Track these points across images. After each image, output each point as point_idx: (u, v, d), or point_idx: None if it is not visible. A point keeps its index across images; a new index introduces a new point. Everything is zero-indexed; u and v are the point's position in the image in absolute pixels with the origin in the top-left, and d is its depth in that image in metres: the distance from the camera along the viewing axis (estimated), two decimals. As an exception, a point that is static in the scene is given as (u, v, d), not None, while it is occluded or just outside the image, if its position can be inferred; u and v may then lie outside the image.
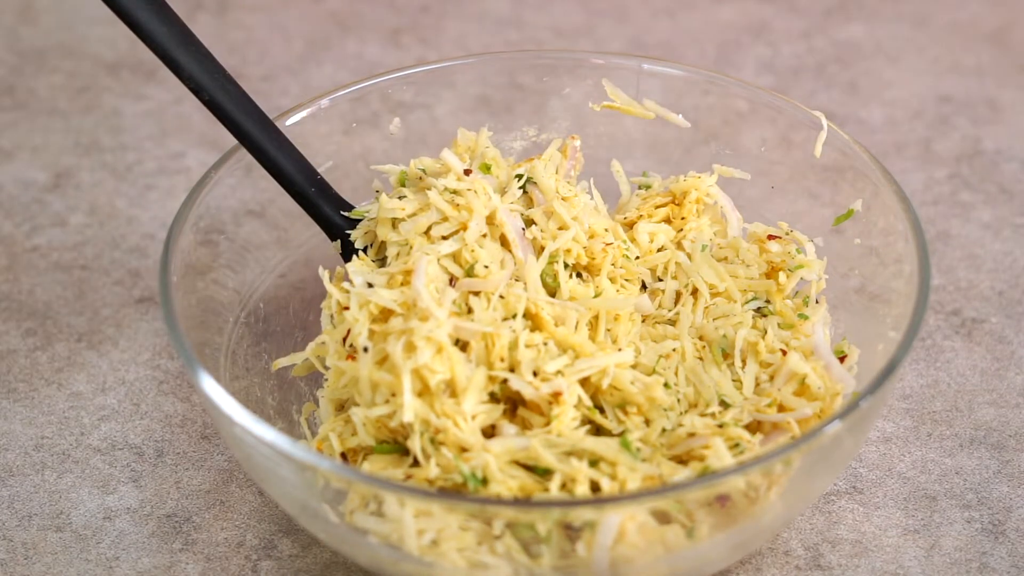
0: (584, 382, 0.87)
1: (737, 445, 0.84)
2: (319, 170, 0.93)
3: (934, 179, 1.14)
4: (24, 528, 0.92)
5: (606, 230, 0.93)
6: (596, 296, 0.91)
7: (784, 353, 0.89)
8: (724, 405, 0.88)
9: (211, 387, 0.82)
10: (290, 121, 0.96)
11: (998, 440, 0.96)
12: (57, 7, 1.32)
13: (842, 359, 0.90)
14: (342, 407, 0.89)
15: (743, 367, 0.89)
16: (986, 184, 1.13)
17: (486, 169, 0.93)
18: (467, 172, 0.91)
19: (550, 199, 0.92)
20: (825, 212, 0.95)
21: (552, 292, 0.90)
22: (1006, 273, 1.06)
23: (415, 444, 0.83)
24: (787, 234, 0.94)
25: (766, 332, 0.90)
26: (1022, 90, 1.22)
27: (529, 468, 0.84)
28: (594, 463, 0.83)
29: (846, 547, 0.90)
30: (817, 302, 0.93)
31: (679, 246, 0.95)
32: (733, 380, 0.89)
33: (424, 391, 0.84)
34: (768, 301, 0.92)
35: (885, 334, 0.89)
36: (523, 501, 0.81)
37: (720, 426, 0.85)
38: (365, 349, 0.85)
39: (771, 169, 0.99)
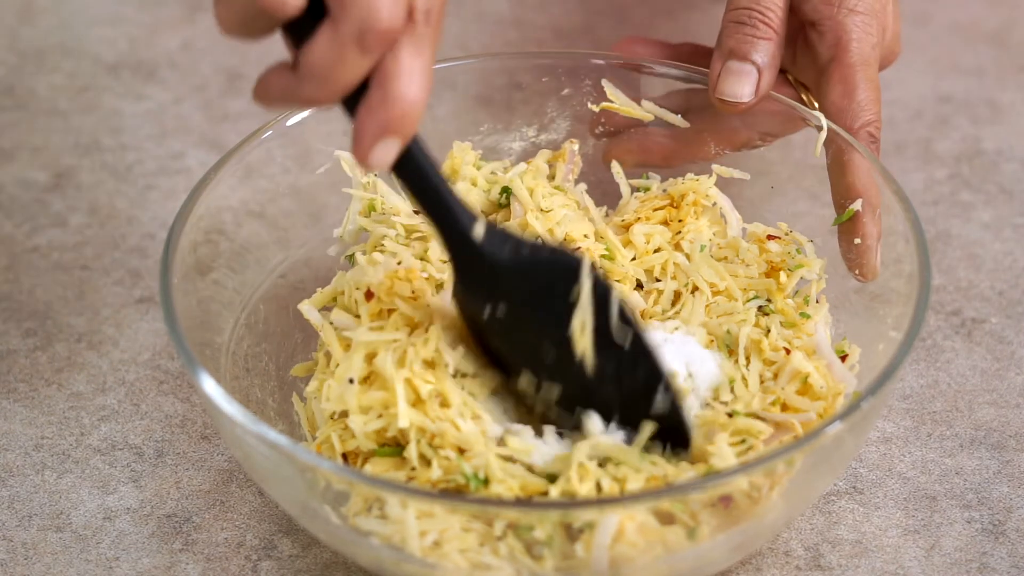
0: None
1: (743, 441, 0.84)
2: (319, 170, 0.94)
3: (934, 179, 1.14)
4: (24, 528, 0.92)
5: (585, 236, 0.93)
6: None
7: (787, 352, 0.89)
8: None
9: (212, 388, 0.82)
10: (290, 121, 0.96)
11: (998, 440, 0.96)
12: (57, 7, 1.32)
13: (843, 358, 0.90)
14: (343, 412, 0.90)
15: (747, 364, 0.89)
16: (986, 184, 1.13)
17: (474, 184, 0.95)
18: (417, 212, 0.93)
19: (526, 211, 0.92)
20: (825, 212, 0.95)
21: None
22: (1006, 273, 1.06)
23: (412, 452, 0.83)
24: (787, 234, 0.94)
25: (769, 330, 0.90)
26: (1022, 90, 1.22)
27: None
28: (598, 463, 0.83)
29: (846, 547, 0.90)
30: (817, 301, 0.93)
31: (677, 247, 0.94)
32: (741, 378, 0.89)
33: (416, 402, 0.84)
34: (769, 300, 0.92)
35: (886, 334, 0.88)
36: (524, 502, 0.81)
37: (730, 415, 0.85)
38: (351, 380, 0.85)
39: (770, 169, 0.99)
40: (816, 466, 0.82)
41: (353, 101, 0.78)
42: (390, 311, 0.87)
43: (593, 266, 0.83)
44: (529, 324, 0.84)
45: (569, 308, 0.83)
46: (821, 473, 0.83)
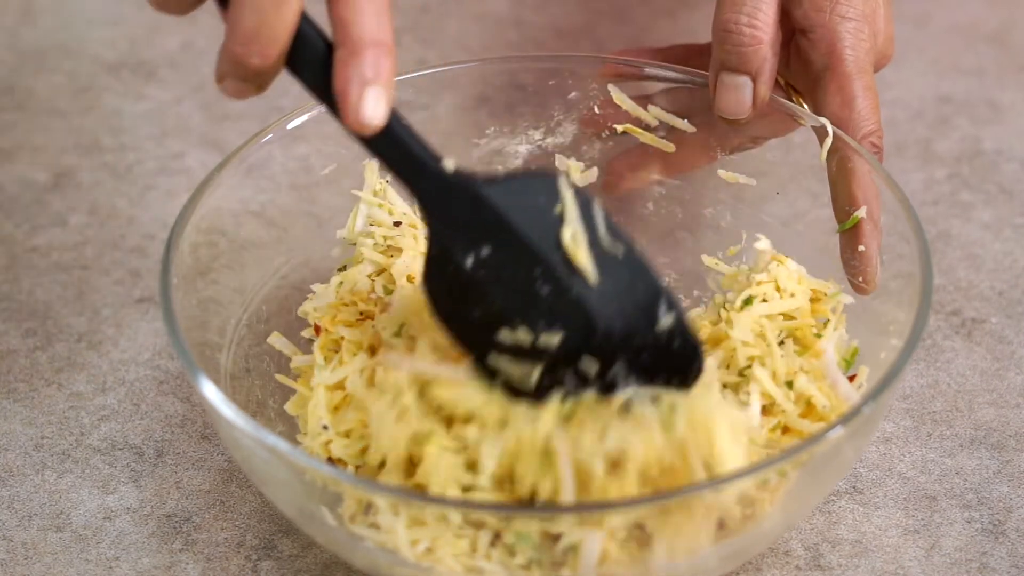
0: None
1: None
2: (321, 172, 0.93)
3: (934, 179, 1.14)
4: (24, 528, 0.92)
5: None
6: None
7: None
8: None
9: (209, 389, 0.82)
10: (293, 123, 0.96)
11: (998, 440, 0.96)
12: (57, 7, 1.32)
13: (851, 378, 0.89)
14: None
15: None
16: (986, 184, 1.13)
17: None
18: (397, 224, 0.93)
19: None
20: (825, 212, 0.95)
21: None
22: (1006, 273, 1.06)
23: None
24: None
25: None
26: (1022, 90, 1.22)
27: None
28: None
29: (846, 547, 0.90)
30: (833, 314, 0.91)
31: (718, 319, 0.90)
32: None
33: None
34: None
35: (887, 341, 0.88)
36: (507, 506, 0.81)
37: None
38: (325, 427, 0.86)
39: (771, 170, 0.99)
40: (815, 474, 0.81)
41: (321, 78, 0.77)
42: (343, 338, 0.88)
43: (569, 179, 0.80)
44: (516, 257, 0.80)
45: (554, 228, 0.80)
46: (820, 482, 0.83)
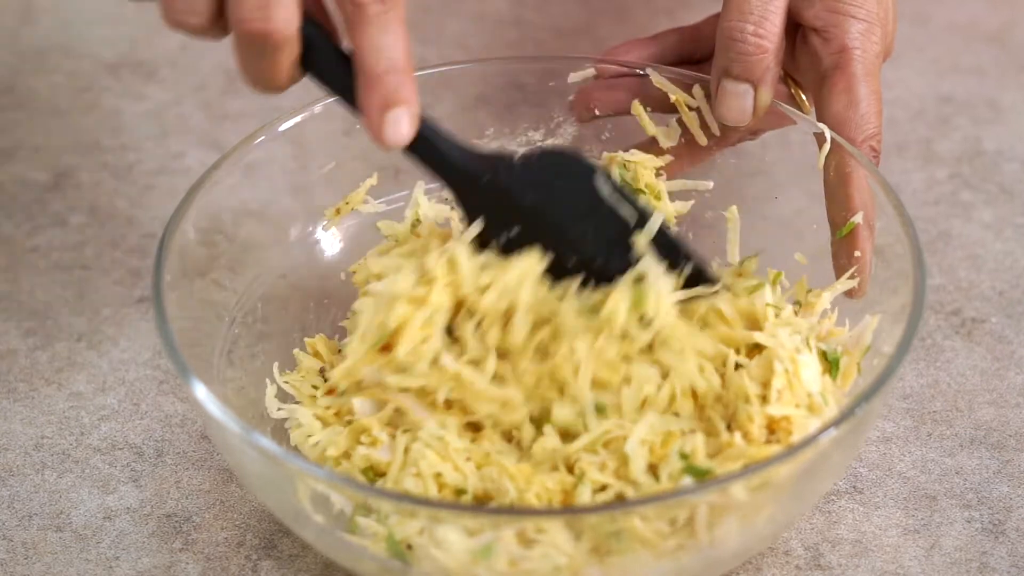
0: None
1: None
2: (322, 171, 0.93)
3: (935, 179, 1.14)
4: (24, 528, 0.92)
5: None
6: None
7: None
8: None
9: (201, 392, 0.81)
10: (291, 122, 0.96)
11: (998, 440, 0.96)
12: (57, 7, 1.32)
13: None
14: None
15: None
16: (987, 184, 1.13)
17: None
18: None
19: None
20: (824, 212, 0.95)
21: None
22: (1007, 273, 1.06)
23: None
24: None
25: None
26: (1022, 90, 1.22)
27: None
28: None
29: (846, 547, 0.90)
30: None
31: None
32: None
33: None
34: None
35: (879, 349, 0.88)
36: (500, 509, 0.81)
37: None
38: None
39: (771, 169, 0.99)
40: (810, 473, 0.81)
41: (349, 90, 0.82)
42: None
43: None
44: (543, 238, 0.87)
45: (583, 197, 0.87)
46: (816, 481, 0.82)
